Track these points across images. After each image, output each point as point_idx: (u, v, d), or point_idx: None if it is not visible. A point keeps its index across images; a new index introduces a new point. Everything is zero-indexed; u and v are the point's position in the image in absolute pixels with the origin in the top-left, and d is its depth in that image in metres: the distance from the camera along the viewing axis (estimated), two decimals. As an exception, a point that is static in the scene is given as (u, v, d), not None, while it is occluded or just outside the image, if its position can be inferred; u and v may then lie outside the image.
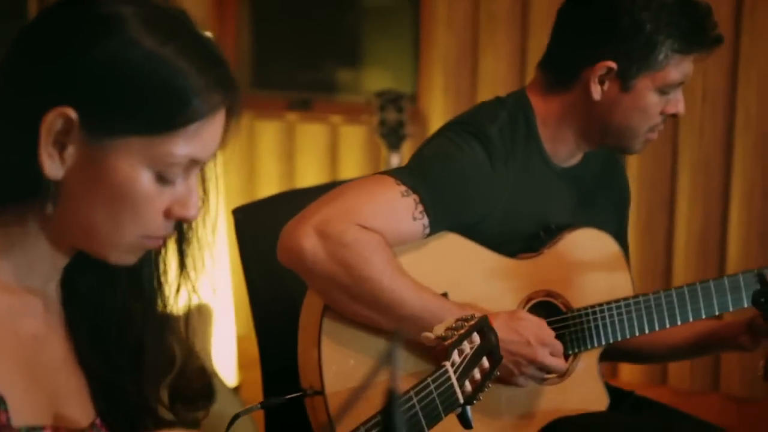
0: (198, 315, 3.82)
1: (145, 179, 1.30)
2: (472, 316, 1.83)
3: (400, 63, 4.79)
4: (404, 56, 4.74)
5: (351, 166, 4.60)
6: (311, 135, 4.67)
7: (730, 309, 2.25)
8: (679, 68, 2.11)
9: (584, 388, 2.21)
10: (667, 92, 2.13)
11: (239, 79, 1.38)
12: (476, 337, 1.82)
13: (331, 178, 4.59)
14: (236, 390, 4.06)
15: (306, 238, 1.95)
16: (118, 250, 1.35)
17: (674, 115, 2.17)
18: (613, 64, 2.10)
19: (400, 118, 4.03)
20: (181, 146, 1.31)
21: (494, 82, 4.34)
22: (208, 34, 1.37)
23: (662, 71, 2.10)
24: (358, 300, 1.98)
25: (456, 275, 2.10)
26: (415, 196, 2.02)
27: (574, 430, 2.13)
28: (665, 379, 4.25)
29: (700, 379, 4.19)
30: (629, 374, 4.29)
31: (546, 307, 2.17)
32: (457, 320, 1.84)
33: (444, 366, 1.77)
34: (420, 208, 2.02)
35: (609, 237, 2.26)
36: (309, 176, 4.66)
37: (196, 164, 1.35)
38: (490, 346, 1.84)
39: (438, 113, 4.45)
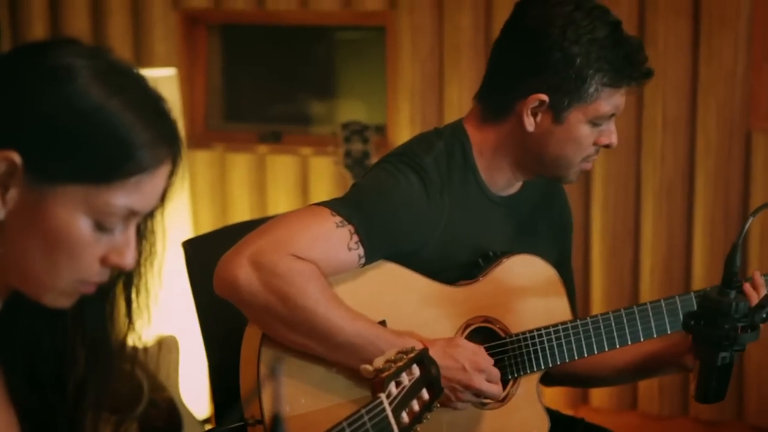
0: (162, 348, 3.84)
1: (82, 226, 1.33)
2: (413, 349, 1.87)
3: (373, 95, 4.84)
4: (376, 88, 4.78)
5: (321, 197, 4.62)
6: (282, 167, 4.71)
7: (668, 332, 2.28)
8: (609, 101, 2.15)
9: (525, 412, 2.24)
10: (599, 124, 2.17)
11: (182, 136, 1.41)
12: (416, 369, 1.85)
13: (301, 209, 4.61)
14: (207, 421, 4.08)
15: (240, 269, 1.99)
16: (53, 293, 1.37)
17: (608, 146, 2.21)
18: (544, 97, 2.14)
19: (365, 148, 4.07)
20: (120, 197, 1.33)
21: (460, 111, 4.36)
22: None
23: (593, 104, 2.14)
24: (294, 329, 2.02)
25: (393, 303, 2.14)
26: (350, 227, 2.05)
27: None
28: (635, 404, 4.27)
29: (669, 403, 4.22)
30: (599, 400, 4.31)
31: (485, 332, 2.21)
32: (398, 353, 1.87)
33: (379, 398, 1.80)
34: (355, 238, 2.06)
35: (545, 263, 2.29)
36: (280, 207, 4.70)
37: (135, 215, 1.37)
38: (429, 378, 1.87)
39: (405, 143, 4.48)
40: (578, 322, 2.23)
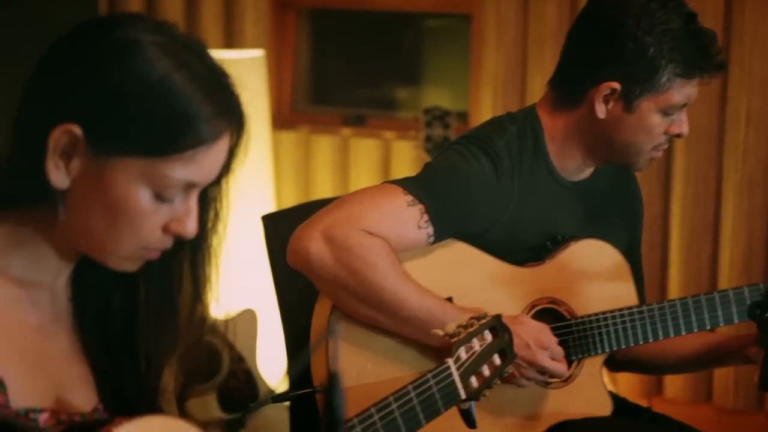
0: (241, 320, 3.93)
1: (142, 196, 1.39)
2: (485, 315, 1.92)
3: (457, 81, 4.88)
4: (461, 75, 4.82)
5: (401, 181, 4.68)
6: (365, 149, 4.77)
7: (735, 321, 2.30)
8: (681, 92, 2.18)
9: (588, 394, 2.27)
10: (670, 113, 2.20)
11: (245, 111, 1.45)
12: (488, 335, 1.90)
13: (382, 192, 4.67)
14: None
15: (312, 241, 2.06)
16: (117, 257, 1.44)
17: (678, 135, 2.24)
18: (617, 85, 2.17)
19: (446, 134, 4.12)
20: (178, 170, 1.39)
21: (542, 100, 4.41)
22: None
23: (665, 94, 2.17)
24: (362, 302, 2.08)
25: (460, 281, 2.19)
26: (420, 206, 2.11)
27: (576, 432, 2.20)
28: (710, 397, 4.26)
29: (744, 397, 4.20)
30: (673, 390, 4.30)
31: (550, 314, 2.25)
32: (470, 318, 1.92)
33: (446, 362, 1.85)
34: (425, 217, 2.11)
35: (612, 247, 2.33)
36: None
37: (194, 186, 1.43)
38: (502, 344, 1.92)
39: (487, 130, 4.51)
40: (644, 308, 2.27)
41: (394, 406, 1.78)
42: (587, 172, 2.34)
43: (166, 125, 1.38)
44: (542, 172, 2.27)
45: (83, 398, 1.50)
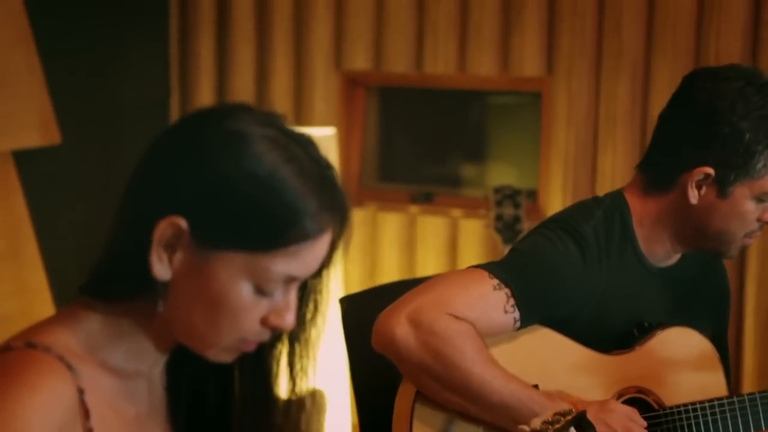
0: (312, 402, 3.91)
1: (243, 290, 1.37)
2: (570, 411, 1.87)
3: (525, 159, 4.86)
4: (528, 152, 4.81)
5: (470, 259, 4.66)
6: (432, 227, 4.76)
7: (827, 413, 2.23)
8: None
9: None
10: (764, 200, 2.16)
11: (350, 205, 1.42)
12: (573, 431, 1.86)
13: (450, 269, 4.65)
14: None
15: (399, 326, 2.03)
16: (216, 349, 1.42)
17: None
18: (710, 171, 2.13)
19: (516, 213, 4.10)
20: (280, 264, 1.36)
21: (612, 179, 4.37)
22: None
23: (760, 180, 2.13)
24: (448, 387, 2.05)
25: (546, 368, 2.15)
26: (507, 290, 2.08)
27: None
28: None
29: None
30: None
31: (638, 403, 2.20)
32: (555, 414, 1.88)
33: None
34: (511, 302, 2.08)
35: (701, 336, 2.28)
36: (429, 268, 4.74)
37: (294, 280, 1.40)
38: None
39: (557, 209, 4.47)
40: (735, 399, 2.21)
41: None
42: (674, 258, 2.30)
43: (273, 220, 1.35)
44: (630, 258, 2.23)
45: None
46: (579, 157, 4.46)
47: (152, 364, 1.47)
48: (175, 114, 4.99)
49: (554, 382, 2.13)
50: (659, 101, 4.20)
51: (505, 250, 3.95)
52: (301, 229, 1.36)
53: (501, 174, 4.91)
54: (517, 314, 2.09)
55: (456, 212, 4.71)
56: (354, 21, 4.77)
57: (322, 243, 1.39)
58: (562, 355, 2.17)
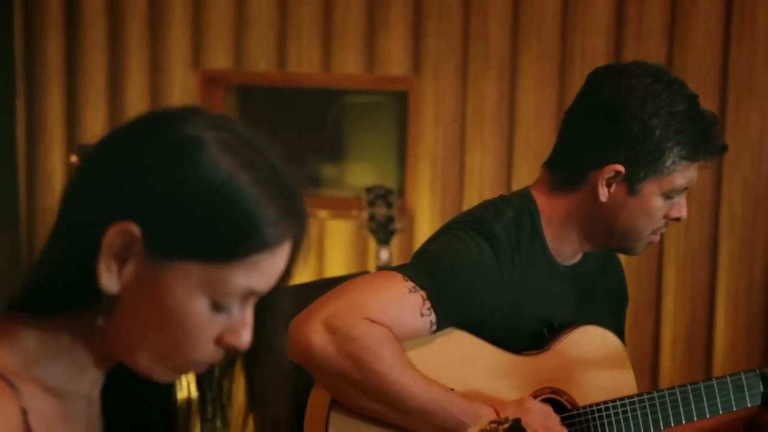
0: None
1: (199, 306, 1.27)
2: (506, 420, 1.83)
3: (384, 158, 4.84)
4: (388, 152, 4.78)
5: (338, 261, 4.61)
6: (298, 229, 4.68)
7: (734, 409, 2.25)
8: (684, 174, 2.15)
9: (590, 487, 2.20)
10: (671, 197, 2.16)
11: (309, 213, 1.34)
12: None
13: (317, 272, 4.60)
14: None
15: (314, 332, 1.96)
16: (163, 369, 1.32)
17: (677, 219, 2.20)
18: (621, 168, 2.12)
19: (389, 213, 4.06)
20: (240, 277, 1.27)
21: (481, 178, 4.39)
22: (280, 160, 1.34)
23: (669, 177, 2.13)
24: (366, 394, 1.99)
25: (462, 371, 2.11)
26: (422, 293, 2.03)
27: None
28: None
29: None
30: None
31: (551, 404, 2.17)
32: (491, 422, 1.83)
33: None
34: (427, 304, 2.03)
35: (612, 335, 2.27)
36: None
37: (253, 294, 1.31)
38: None
39: (425, 208, 4.48)
40: (644, 396, 2.21)
41: None
42: (578, 257, 2.29)
43: (231, 230, 1.26)
44: (539, 257, 2.21)
45: None
46: (447, 157, 4.46)
47: (92, 382, 1.36)
48: (21, 115, 4.79)
49: (470, 385, 2.09)
50: (526, 101, 4.25)
51: (380, 249, 3.91)
52: (261, 239, 1.27)
53: (360, 174, 4.88)
54: (433, 317, 2.04)
55: (322, 213, 4.65)
56: (213, 20, 4.66)
57: (282, 253, 1.30)
58: (477, 358, 2.13)
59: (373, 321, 1.98)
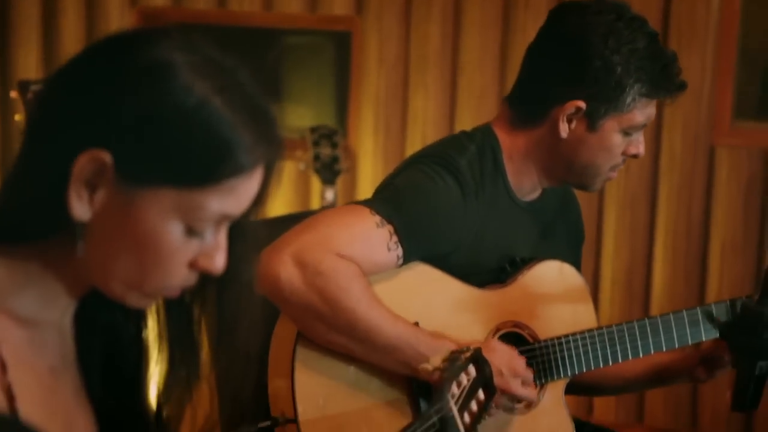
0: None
1: (173, 231, 1.25)
2: (468, 348, 1.85)
3: (324, 101, 4.81)
4: (327, 94, 4.76)
5: (280, 201, 4.60)
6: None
7: (689, 342, 2.30)
8: (644, 111, 2.17)
9: (551, 419, 2.24)
10: (630, 134, 2.19)
11: (283, 136, 1.32)
12: (472, 369, 1.83)
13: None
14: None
15: (282, 266, 1.96)
16: (137, 295, 1.31)
17: (635, 156, 2.23)
18: (582, 104, 2.14)
19: (334, 153, 4.05)
20: (214, 201, 1.25)
21: (424, 120, 4.40)
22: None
23: (629, 113, 2.15)
24: (333, 328, 1.99)
25: (426, 305, 2.12)
26: (389, 227, 2.04)
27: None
28: (641, 418, 4.29)
29: (674, 416, 4.25)
30: (603, 413, 4.31)
31: (513, 338, 2.20)
32: (453, 352, 1.85)
33: (445, 398, 1.77)
34: (395, 238, 2.04)
35: (572, 269, 2.30)
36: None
37: (227, 218, 1.29)
38: (485, 378, 1.85)
39: (368, 149, 4.48)
40: (604, 330, 2.24)
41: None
42: (537, 192, 2.31)
43: (204, 153, 1.24)
44: (501, 192, 2.22)
45: None
46: (390, 99, 4.45)
47: (63, 311, 1.35)
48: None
49: (434, 319, 2.11)
50: (470, 43, 4.25)
51: (325, 189, 3.91)
52: (235, 163, 1.25)
53: (298, 115, 4.85)
54: (400, 251, 2.05)
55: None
56: (152, -44, 4.59)
57: (256, 177, 1.29)
58: (442, 292, 2.14)
59: (341, 255, 1.98)
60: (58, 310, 1.34)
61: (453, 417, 1.76)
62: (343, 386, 2.05)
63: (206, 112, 1.24)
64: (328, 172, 4.02)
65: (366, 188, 4.36)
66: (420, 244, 2.08)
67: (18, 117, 3.00)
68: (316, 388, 2.02)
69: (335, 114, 4.72)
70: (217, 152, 1.25)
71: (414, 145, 4.33)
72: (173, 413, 1.45)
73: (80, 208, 1.24)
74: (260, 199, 1.33)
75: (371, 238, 2.03)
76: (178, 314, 1.40)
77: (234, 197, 1.27)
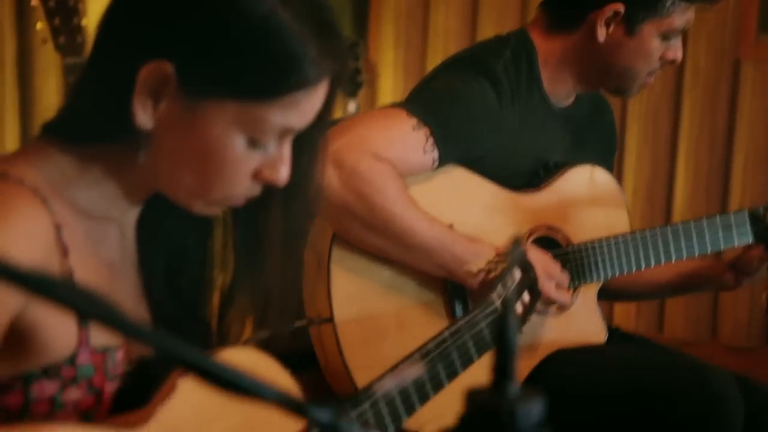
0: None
1: (236, 143, 1.27)
2: (513, 251, 1.85)
3: (341, 12, 4.78)
4: (345, 6, 4.73)
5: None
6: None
7: (722, 247, 2.30)
8: (683, 16, 2.16)
9: (583, 322, 2.25)
10: (668, 38, 2.17)
11: (347, 51, 1.33)
12: (517, 272, 1.84)
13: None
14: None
15: None
16: (202, 203, 1.33)
17: (672, 61, 2.21)
18: (621, 8, 2.13)
19: (356, 65, 4.02)
20: (278, 115, 1.26)
21: (445, 35, 4.37)
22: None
23: (668, 18, 2.14)
24: (369, 229, 2.00)
25: (461, 208, 2.13)
26: (426, 130, 2.03)
27: (574, 362, 2.17)
28: (661, 329, 4.30)
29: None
30: (623, 324, 4.33)
31: (547, 241, 2.21)
32: (497, 255, 1.86)
33: (491, 298, 1.78)
34: (431, 141, 2.04)
35: (607, 174, 2.30)
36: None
37: (290, 132, 1.30)
38: (530, 281, 1.86)
39: (388, 63, 4.46)
40: (638, 234, 2.24)
41: (449, 341, 1.70)
42: (571, 99, 2.30)
43: (270, 66, 1.24)
44: (535, 97, 2.22)
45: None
46: (411, 11, 4.42)
47: (124, 212, 1.37)
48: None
49: (469, 222, 2.11)
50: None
51: (348, 103, 3.89)
52: (300, 77, 1.25)
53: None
54: (435, 154, 2.05)
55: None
56: None
57: (320, 91, 1.29)
58: (476, 195, 2.15)
59: (377, 157, 1.98)
60: (118, 211, 1.35)
61: (513, 301, 1.77)
62: (378, 287, 2.06)
63: (275, 23, 1.24)
64: (350, 84, 3.99)
65: (387, 102, 4.34)
66: (455, 148, 2.08)
67: (39, 25, 2.98)
68: (351, 289, 2.03)
69: (356, 28, 4.68)
70: (283, 65, 1.24)
71: (435, 59, 4.30)
72: (234, 323, 1.46)
73: (143, 117, 1.25)
74: (324, 112, 1.33)
75: (407, 141, 2.03)
76: (245, 224, 1.41)
77: (297, 111, 1.28)
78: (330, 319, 2.02)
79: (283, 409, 0.81)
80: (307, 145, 1.36)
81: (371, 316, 2.05)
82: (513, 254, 1.75)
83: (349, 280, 2.03)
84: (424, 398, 1.59)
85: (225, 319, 1.45)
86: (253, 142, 1.28)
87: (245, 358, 1.35)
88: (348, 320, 2.03)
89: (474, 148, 2.11)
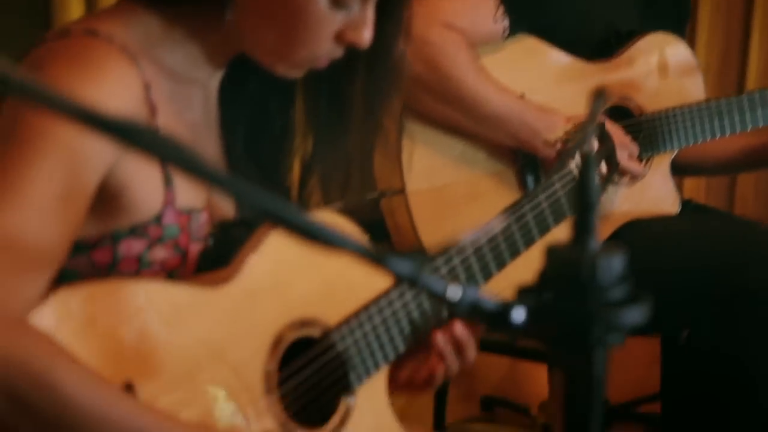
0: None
1: (320, 2, 1.26)
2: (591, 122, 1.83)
3: None
4: None
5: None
6: None
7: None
8: None
9: (657, 192, 2.23)
10: None
11: None
12: (594, 143, 1.83)
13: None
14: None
15: None
16: (285, 64, 1.33)
17: None
18: None
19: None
20: None
21: None
22: None
23: None
24: (440, 99, 1.99)
25: (532, 77, 2.11)
26: None
27: (649, 232, 2.16)
28: (731, 207, 4.25)
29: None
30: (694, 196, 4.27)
31: (619, 110, 2.18)
32: (575, 125, 1.84)
33: (569, 166, 1.77)
34: (501, 9, 2.01)
35: (681, 42, 2.26)
36: None
37: None
38: (608, 152, 1.85)
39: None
40: (712, 103, 2.20)
41: (527, 207, 1.69)
42: None
43: None
44: None
45: (227, 205, 1.39)
46: None
47: (209, 74, 1.37)
48: None
49: (540, 92, 2.09)
50: None
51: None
52: None
53: None
54: (506, 22, 2.02)
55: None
56: None
57: None
58: (547, 65, 2.12)
59: (448, 26, 1.96)
60: (202, 72, 1.36)
61: (594, 157, 1.75)
62: (449, 158, 2.05)
63: None
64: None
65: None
66: (526, 15, 2.05)
67: None
68: (422, 160, 2.03)
69: None
70: None
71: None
72: (314, 192, 1.47)
73: None
74: None
75: (478, 9, 2.00)
76: (328, 93, 1.41)
77: None
78: (402, 191, 2.02)
79: (364, 260, 0.81)
80: (391, 12, 1.35)
81: (443, 186, 2.05)
82: (595, 104, 1.72)
83: (421, 150, 2.03)
84: (500, 263, 1.59)
85: (305, 188, 1.46)
86: (337, 2, 1.27)
87: (327, 220, 1.35)
88: (419, 190, 2.03)
89: (545, 15, 2.08)
